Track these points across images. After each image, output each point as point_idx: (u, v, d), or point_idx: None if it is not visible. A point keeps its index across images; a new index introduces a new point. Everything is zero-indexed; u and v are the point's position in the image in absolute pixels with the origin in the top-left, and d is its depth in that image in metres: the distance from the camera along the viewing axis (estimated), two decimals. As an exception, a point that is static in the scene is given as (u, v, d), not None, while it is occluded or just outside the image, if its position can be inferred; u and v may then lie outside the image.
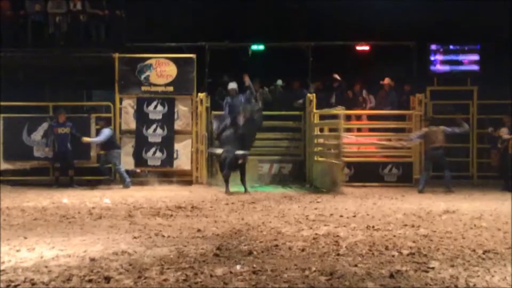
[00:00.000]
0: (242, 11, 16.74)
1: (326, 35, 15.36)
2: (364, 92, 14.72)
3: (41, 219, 8.45)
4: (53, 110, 14.08)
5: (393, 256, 6.03)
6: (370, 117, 14.51)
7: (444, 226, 7.80)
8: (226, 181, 12.00)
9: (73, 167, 13.54)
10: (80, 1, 15.13)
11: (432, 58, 14.80)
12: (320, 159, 13.59)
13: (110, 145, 13.32)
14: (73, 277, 5.14)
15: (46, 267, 5.48)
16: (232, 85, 13.05)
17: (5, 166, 13.95)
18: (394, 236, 7.09)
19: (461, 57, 14.75)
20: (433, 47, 14.81)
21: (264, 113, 14.54)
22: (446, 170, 12.53)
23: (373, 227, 7.72)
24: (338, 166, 12.31)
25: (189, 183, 13.41)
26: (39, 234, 7.26)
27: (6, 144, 13.87)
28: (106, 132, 13.28)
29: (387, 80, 14.61)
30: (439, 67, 14.82)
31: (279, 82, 15.38)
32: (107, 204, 10.12)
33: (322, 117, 13.76)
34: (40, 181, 13.57)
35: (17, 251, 6.18)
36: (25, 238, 6.94)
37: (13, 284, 4.94)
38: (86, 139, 13.39)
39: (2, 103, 14.20)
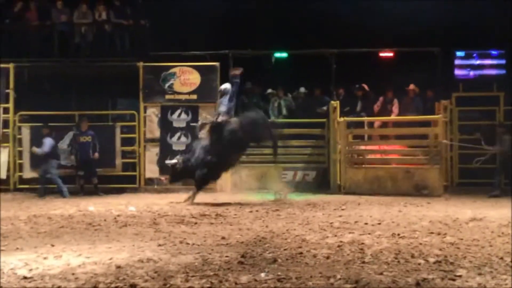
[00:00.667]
0: (265, 19, 16.77)
1: (349, 42, 15.31)
2: (395, 101, 14.61)
3: (67, 227, 8.52)
4: (78, 119, 14.25)
5: (419, 264, 5.97)
6: (395, 124, 14.44)
7: (471, 234, 7.70)
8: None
9: (96, 175, 13.66)
10: (105, 11, 15.35)
11: (457, 63, 14.68)
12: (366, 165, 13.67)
13: (51, 155, 13.38)
14: (100, 285, 5.18)
15: (73, 274, 5.53)
16: (224, 85, 12.18)
17: (31, 174, 14.13)
18: (420, 244, 7.01)
19: (486, 62, 14.61)
20: (458, 52, 14.68)
21: (288, 120, 14.60)
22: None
23: (398, 234, 7.65)
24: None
25: (213, 190, 13.43)
26: (66, 241, 7.32)
27: (33, 153, 14.05)
28: (49, 142, 13.37)
29: (412, 86, 14.52)
30: (464, 73, 14.69)
31: (302, 89, 15.38)
32: (132, 212, 10.18)
33: (348, 125, 13.79)
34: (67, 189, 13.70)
35: (45, 258, 6.24)
36: (52, 245, 7.00)
37: (40, 291, 5.00)
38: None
39: (29, 113, 14.43)
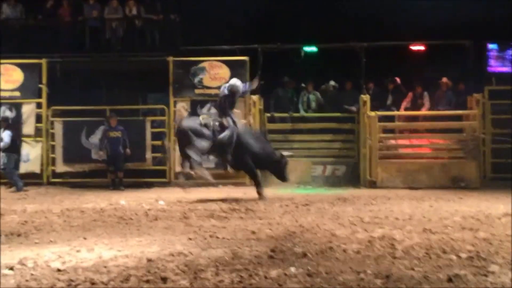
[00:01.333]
0: (294, 12, 16.72)
1: (379, 36, 15.17)
2: (425, 94, 14.45)
3: (99, 220, 8.63)
4: (108, 114, 14.41)
5: (451, 259, 5.91)
6: (426, 118, 14.30)
7: (503, 229, 7.58)
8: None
9: (123, 169, 13.75)
10: (135, 6, 15.48)
11: (489, 56, 14.45)
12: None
13: (10, 148, 13.40)
14: (131, 277, 5.23)
15: (105, 267, 5.60)
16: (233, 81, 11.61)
17: (64, 168, 14.35)
18: (452, 239, 6.93)
19: (519, 55, 14.37)
20: (491, 45, 14.45)
21: (317, 114, 14.56)
22: None
23: (430, 230, 7.57)
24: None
25: (243, 184, 13.46)
26: (98, 235, 7.42)
27: (65, 147, 14.26)
28: (8, 134, 13.39)
29: (445, 80, 14.35)
30: (497, 66, 14.45)
31: (332, 82, 15.29)
32: (163, 206, 10.26)
33: (380, 119, 13.73)
34: (98, 183, 13.89)
35: (77, 251, 6.33)
36: (85, 238, 7.10)
37: (73, 283, 5.06)
38: None
39: (61, 107, 14.64)
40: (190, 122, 11.00)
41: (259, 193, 11.28)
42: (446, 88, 14.39)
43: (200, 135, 10.81)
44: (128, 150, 13.72)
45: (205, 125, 10.92)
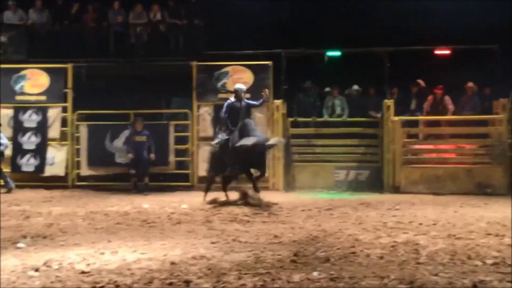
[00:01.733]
0: (318, 17, 16.68)
1: (404, 40, 15.06)
2: (446, 98, 14.32)
3: (123, 223, 8.70)
4: (133, 118, 14.51)
5: (476, 265, 5.84)
6: (451, 123, 14.16)
7: (530, 236, 7.49)
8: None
9: (149, 174, 13.76)
10: (159, 11, 15.59)
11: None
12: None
13: None
14: (154, 280, 5.27)
15: (129, 269, 5.64)
16: (239, 86, 11.77)
17: (89, 171, 14.48)
18: (477, 245, 6.86)
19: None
20: (518, 50, 14.25)
21: (341, 119, 14.51)
22: None
23: (454, 235, 7.50)
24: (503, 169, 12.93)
25: (266, 189, 13.44)
26: (122, 237, 7.48)
27: (90, 151, 14.38)
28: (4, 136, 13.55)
29: (470, 84, 14.20)
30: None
31: (355, 87, 15.20)
32: (186, 210, 10.30)
33: (403, 124, 13.63)
34: (121, 186, 13.97)
35: (101, 253, 6.39)
36: (109, 241, 7.17)
37: (98, 285, 5.10)
38: None
39: (86, 111, 14.79)
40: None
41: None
42: (471, 93, 14.24)
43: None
44: (152, 155, 13.66)
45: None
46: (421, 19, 15.80)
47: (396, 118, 13.64)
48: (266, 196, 12.27)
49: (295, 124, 14.67)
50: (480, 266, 5.83)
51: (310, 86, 14.92)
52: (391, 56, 14.75)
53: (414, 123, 14.26)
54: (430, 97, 14.20)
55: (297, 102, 14.75)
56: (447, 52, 15.14)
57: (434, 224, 8.55)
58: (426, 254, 6.36)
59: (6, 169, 13.94)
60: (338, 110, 14.71)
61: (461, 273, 5.54)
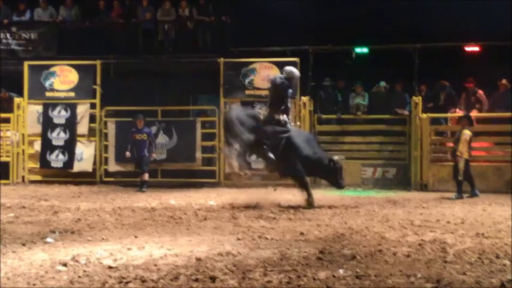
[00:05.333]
0: (345, 14, 16.58)
1: (433, 36, 14.89)
2: (479, 92, 14.09)
3: (150, 219, 8.75)
4: (161, 114, 14.59)
5: (504, 265, 5.76)
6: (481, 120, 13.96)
7: (560, 235, 7.37)
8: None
9: (146, 172, 13.44)
10: (188, 8, 15.66)
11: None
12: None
13: None
14: (180, 276, 5.29)
15: (155, 265, 5.68)
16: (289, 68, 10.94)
17: (116, 168, 14.63)
18: (506, 244, 6.76)
19: None
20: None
21: (368, 116, 14.42)
22: None
23: (482, 234, 7.41)
24: None
25: (292, 186, 13.40)
26: (149, 233, 7.53)
27: (118, 147, 14.52)
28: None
29: (504, 81, 13.98)
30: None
31: (382, 83, 15.10)
32: (212, 206, 10.34)
33: (432, 121, 13.48)
34: (148, 182, 14.05)
35: (128, 249, 6.44)
36: (136, 237, 7.22)
37: (124, 280, 5.15)
38: None
39: (114, 108, 14.93)
40: (238, 112, 10.64)
41: (308, 202, 10.44)
42: (504, 90, 14.01)
43: (245, 126, 10.24)
44: (154, 155, 13.49)
45: (253, 117, 10.40)
46: (450, 15, 15.59)
47: (424, 115, 13.51)
48: (293, 194, 12.28)
49: (321, 121, 14.62)
50: (508, 265, 5.74)
51: (329, 84, 14.85)
52: (420, 53, 14.58)
53: (443, 121, 14.12)
54: (463, 96, 14.04)
55: (319, 98, 14.69)
56: (476, 48, 14.92)
57: (462, 222, 8.46)
58: (453, 252, 6.29)
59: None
60: (361, 108, 14.61)
61: (489, 272, 5.47)
